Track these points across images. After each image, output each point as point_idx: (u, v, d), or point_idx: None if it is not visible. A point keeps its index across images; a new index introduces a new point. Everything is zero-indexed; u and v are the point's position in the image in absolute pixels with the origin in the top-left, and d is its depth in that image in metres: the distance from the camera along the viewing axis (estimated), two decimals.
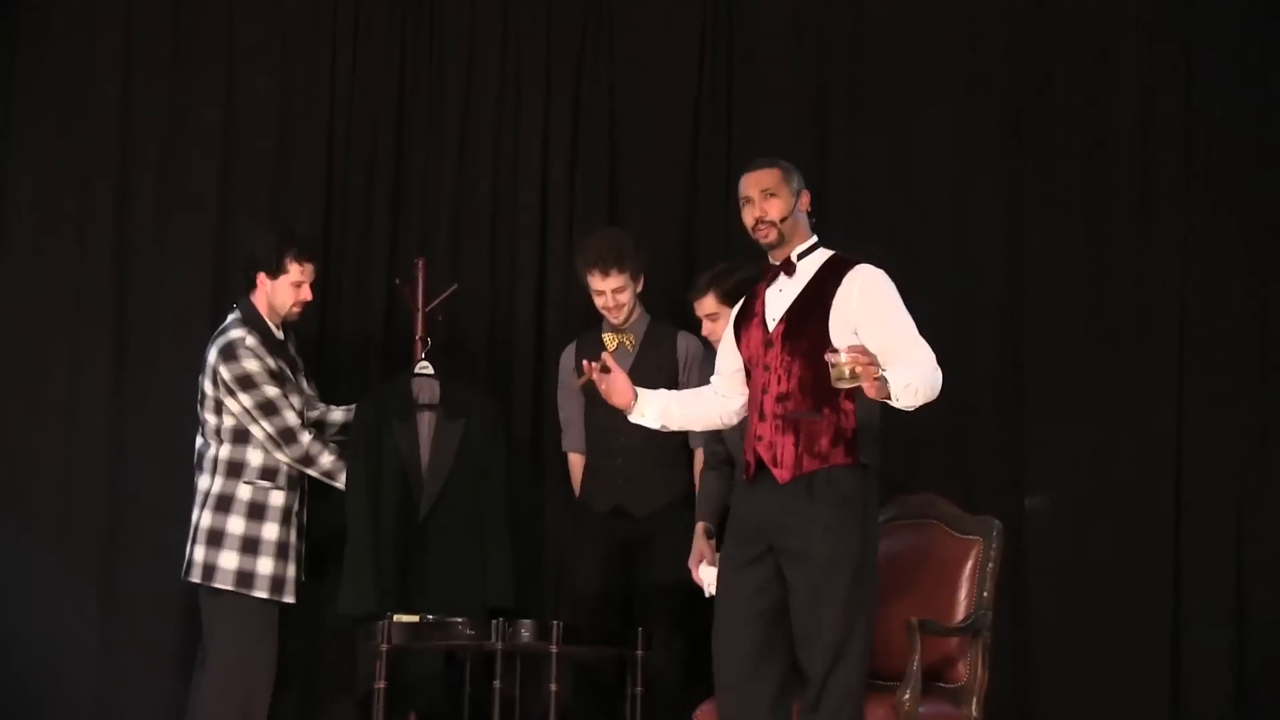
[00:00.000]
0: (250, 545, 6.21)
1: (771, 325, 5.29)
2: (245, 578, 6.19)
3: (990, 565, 5.80)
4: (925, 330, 6.46)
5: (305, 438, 6.30)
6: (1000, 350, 7.00)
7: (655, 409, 5.42)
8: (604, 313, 6.41)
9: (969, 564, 5.83)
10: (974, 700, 5.73)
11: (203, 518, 6.27)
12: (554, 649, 5.88)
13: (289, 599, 6.28)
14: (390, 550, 6.34)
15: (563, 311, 7.06)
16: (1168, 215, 6.99)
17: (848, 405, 5.16)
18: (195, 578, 6.26)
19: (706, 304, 6.13)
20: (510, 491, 6.50)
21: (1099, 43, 7.09)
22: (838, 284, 5.21)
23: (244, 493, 6.26)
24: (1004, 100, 7.09)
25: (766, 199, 5.30)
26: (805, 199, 5.37)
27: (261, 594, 6.21)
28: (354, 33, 7.20)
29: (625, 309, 6.37)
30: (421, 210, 7.16)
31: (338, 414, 6.55)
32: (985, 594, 5.77)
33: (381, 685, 5.98)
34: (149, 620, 6.87)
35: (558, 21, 7.22)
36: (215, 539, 6.22)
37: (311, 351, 6.84)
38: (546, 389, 6.89)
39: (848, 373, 4.82)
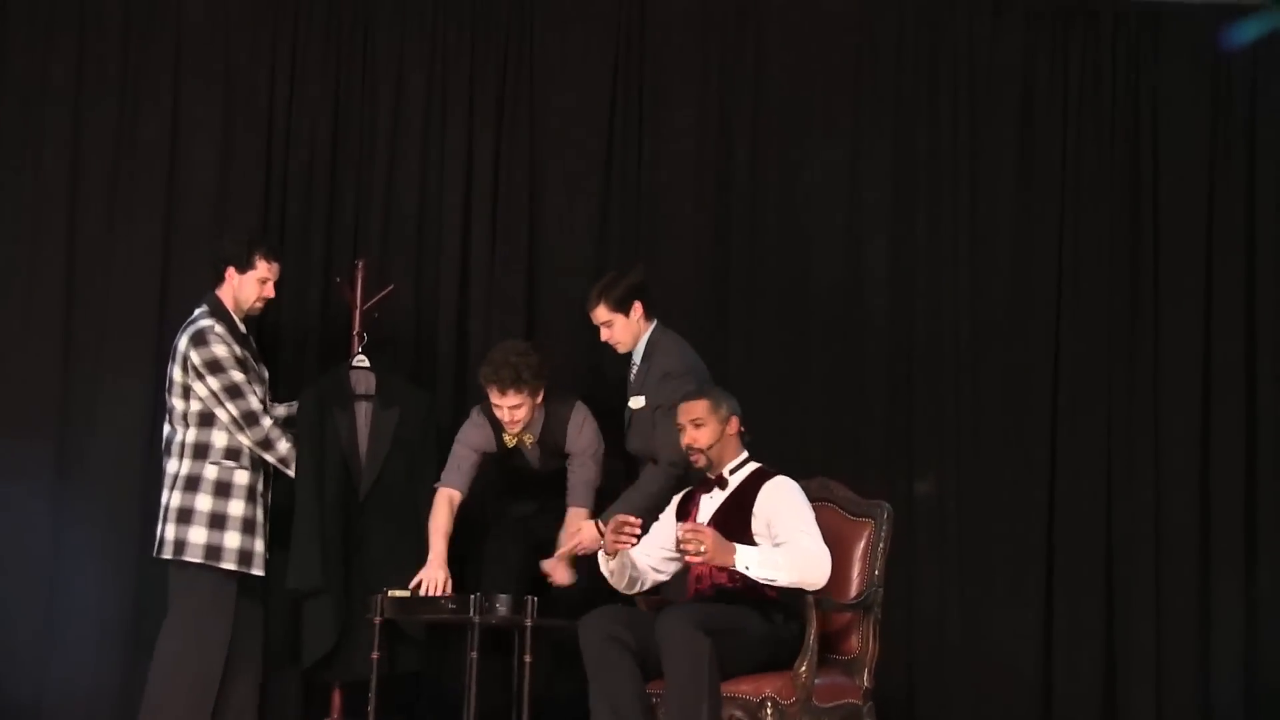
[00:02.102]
0: (218, 521, 6.38)
1: (704, 522, 5.83)
2: (214, 551, 6.36)
3: (881, 545, 6.00)
4: (823, 329, 7.02)
5: (266, 422, 6.47)
6: (890, 347, 7.30)
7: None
8: (504, 424, 6.45)
9: (861, 544, 6.02)
10: (865, 671, 5.92)
11: (172, 498, 6.43)
12: (528, 622, 6.11)
13: (257, 571, 6.45)
14: (335, 531, 6.56)
15: (484, 311, 7.26)
16: (1044, 210, 7.35)
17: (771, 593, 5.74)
18: (167, 554, 6.42)
19: (600, 313, 6.52)
20: (438, 475, 6.61)
21: (981, 56, 7.45)
22: (756, 494, 5.82)
23: (210, 472, 6.42)
24: (893, 123, 7.40)
25: (696, 428, 5.86)
26: (734, 424, 5.89)
27: (230, 566, 6.38)
28: (291, 51, 7.34)
29: (520, 423, 6.41)
30: (354, 217, 7.32)
31: (279, 409, 6.70)
32: (876, 572, 5.98)
33: (375, 655, 6.25)
34: (96, 593, 6.99)
35: (481, 43, 7.38)
36: (185, 516, 6.38)
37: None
38: (469, 381, 7.05)
39: (682, 549, 5.53)
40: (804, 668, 5.66)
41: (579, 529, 6.42)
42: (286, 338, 7.22)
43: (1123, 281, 7.32)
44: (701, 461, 5.90)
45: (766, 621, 5.75)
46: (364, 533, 6.64)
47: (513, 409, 6.35)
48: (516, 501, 6.62)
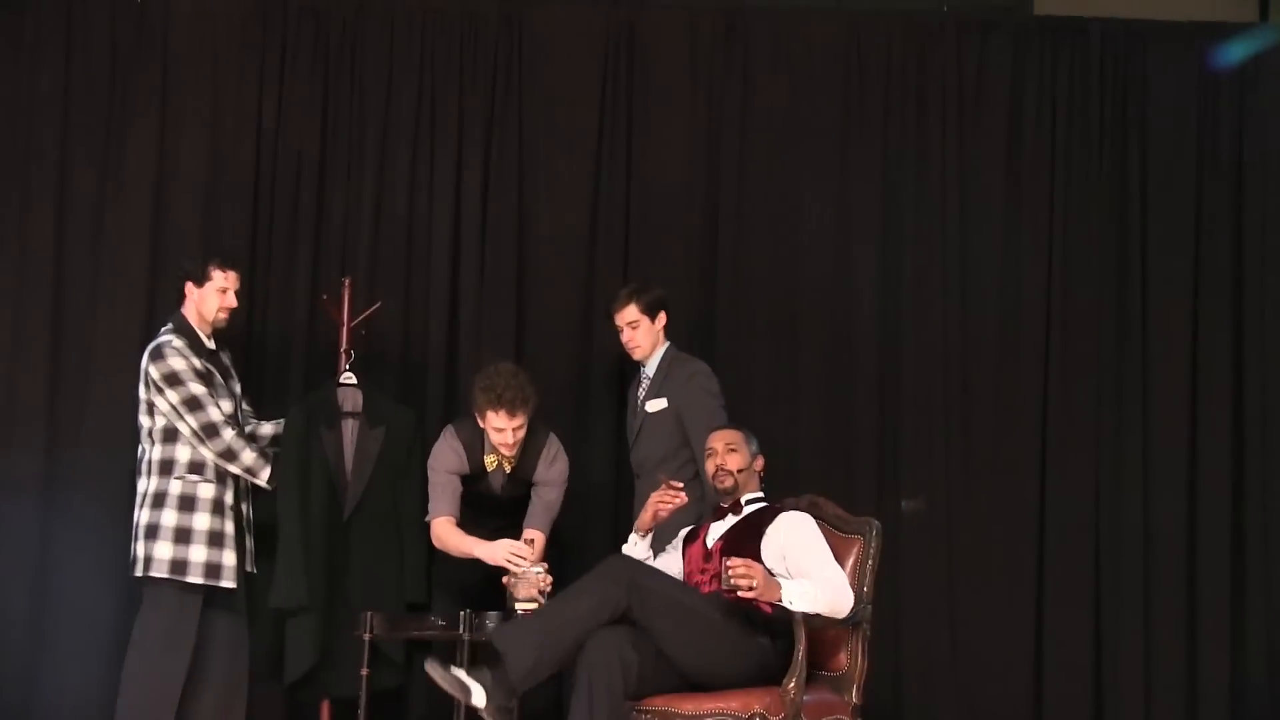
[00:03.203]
0: (183, 535, 6.40)
1: (711, 543, 6.03)
2: (179, 565, 6.38)
3: (870, 562, 5.94)
4: (811, 347, 7.01)
5: (228, 434, 6.46)
6: (879, 363, 7.26)
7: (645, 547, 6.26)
8: (498, 446, 6.44)
9: (850, 561, 5.96)
10: (854, 687, 5.87)
11: (141, 515, 6.47)
12: None
13: (227, 583, 6.46)
14: (319, 549, 6.57)
15: (474, 327, 7.23)
16: (1033, 226, 7.31)
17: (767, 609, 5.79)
18: (138, 571, 6.45)
19: (629, 313, 6.68)
20: (424, 494, 6.59)
21: (969, 73, 7.43)
22: (770, 522, 5.95)
23: (175, 488, 6.45)
24: (881, 141, 7.37)
25: (728, 452, 6.09)
26: (759, 462, 6.14)
27: (196, 579, 6.39)
28: (280, 70, 7.34)
29: (519, 445, 6.44)
30: (342, 235, 7.31)
31: (267, 428, 6.76)
32: (865, 589, 5.90)
33: (365, 672, 6.26)
34: (84, 604, 6.99)
35: (469, 60, 7.38)
36: (152, 533, 6.42)
37: (238, 361, 6.92)
38: (458, 399, 7.06)
39: (732, 584, 5.51)
40: (793, 684, 5.62)
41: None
42: (273, 356, 7.23)
43: (1110, 296, 7.31)
44: (728, 483, 6.06)
45: (756, 635, 5.77)
46: (348, 551, 6.65)
47: (516, 430, 6.39)
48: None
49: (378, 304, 7.00)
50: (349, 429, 6.72)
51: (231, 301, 6.62)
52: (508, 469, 6.52)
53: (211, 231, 7.25)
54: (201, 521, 6.47)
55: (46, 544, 7.07)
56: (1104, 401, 7.23)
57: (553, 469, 6.54)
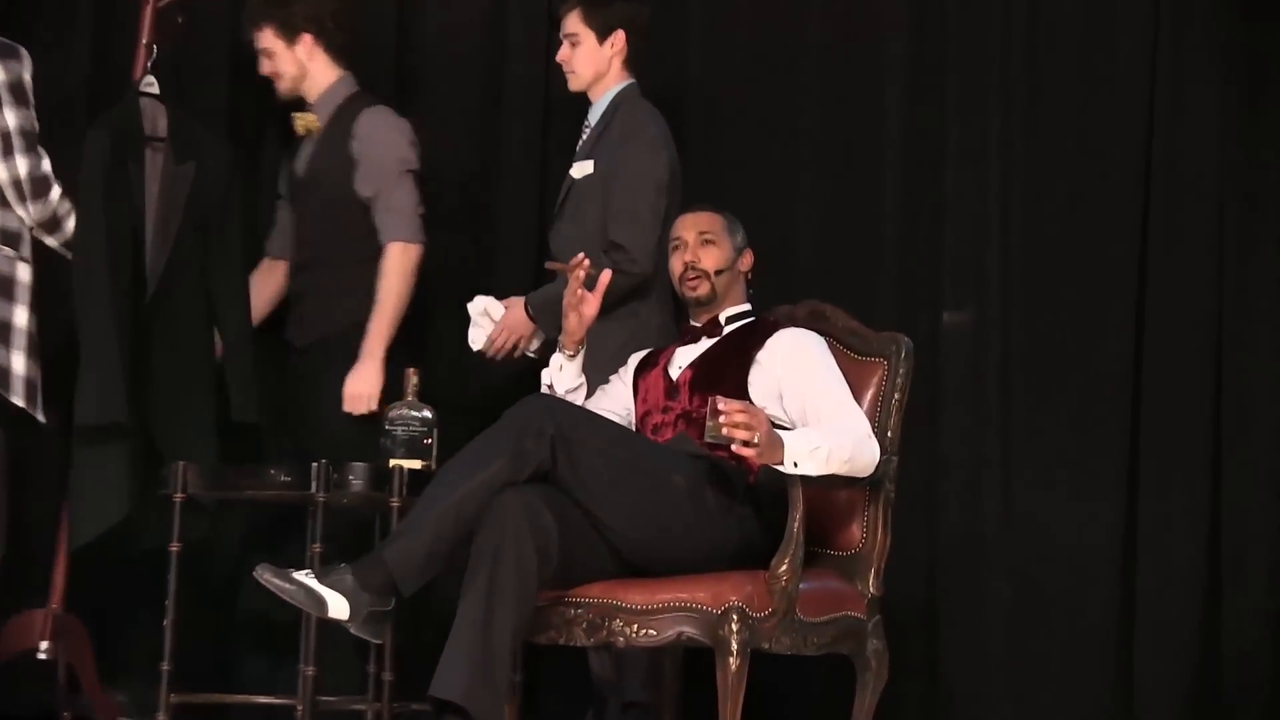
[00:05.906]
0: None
1: (676, 374, 5.15)
2: None
3: (896, 396, 5.01)
4: (820, 94, 6.17)
5: (56, 192, 5.27)
6: (913, 146, 6.10)
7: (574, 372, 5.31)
8: None
9: (869, 393, 5.06)
10: (871, 572, 4.93)
11: None
12: (395, 503, 5.00)
13: (41, 415, 5.26)
14: (126, 343, 5.26)
15: None
16: None
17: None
18: None
19: (570, 22, 5.74)
20: (250, 266, 5.62)
21: None
22: (761, 343, 5.07)
23: None
24: None
25: (702, 245, 5.23)
26: (748, 259, 5.29)
27: (19, 400, 5.17)
28: None
29: (284, 80, 5.73)
30: None
31: None
32: (889, 433, 4.96)
33: (175, 547, 5.07)
34: None
35: None
36: None
37: None
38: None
39: (722, 433, 4.59)
40: (784, 567, 4.61)
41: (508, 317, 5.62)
42: (38, 53, 5.74)
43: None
44: (703, 289, 5.15)
45: (735, 503, 4.83)
46: (149, 347, 5.35)
47: (264, 54, 5.70)
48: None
49: None
50: (151, 163, 5.39)
51: None
52: (315, 130, 5.71)
53: None
54: (21, 317, 5.21)
55: None
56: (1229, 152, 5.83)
57: (376, 138, 5.63)
